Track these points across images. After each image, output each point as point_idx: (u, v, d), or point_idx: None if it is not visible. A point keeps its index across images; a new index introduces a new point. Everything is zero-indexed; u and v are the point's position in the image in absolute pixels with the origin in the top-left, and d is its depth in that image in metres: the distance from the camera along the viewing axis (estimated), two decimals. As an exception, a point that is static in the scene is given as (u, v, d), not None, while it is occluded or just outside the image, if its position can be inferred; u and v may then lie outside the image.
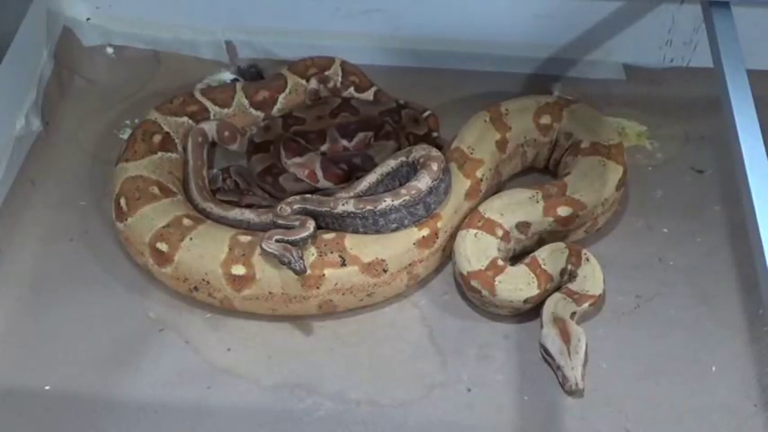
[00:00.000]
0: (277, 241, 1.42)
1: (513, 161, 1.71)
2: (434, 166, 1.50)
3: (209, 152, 1.75)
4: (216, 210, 1.58)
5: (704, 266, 1.59)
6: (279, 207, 1.49)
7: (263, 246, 1.42)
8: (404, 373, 1.44)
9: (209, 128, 1.73)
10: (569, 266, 1.52)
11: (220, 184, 1.69)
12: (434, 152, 1.53)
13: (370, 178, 1.55)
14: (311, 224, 1.46)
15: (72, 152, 1.79)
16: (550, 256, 1.52)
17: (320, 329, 1.50)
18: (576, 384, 1.36)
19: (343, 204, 1.48)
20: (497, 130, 1.66)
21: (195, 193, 1.62)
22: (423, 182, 1.49)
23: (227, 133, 1.74)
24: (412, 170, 1.53)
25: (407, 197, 1.48)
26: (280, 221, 1.47)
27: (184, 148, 1.70)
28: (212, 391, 1.41)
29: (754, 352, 1.46)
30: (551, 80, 1.95)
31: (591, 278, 1.50)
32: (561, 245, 1.54)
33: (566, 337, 1.41)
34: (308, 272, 1.42)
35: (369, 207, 1.47)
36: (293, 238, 1.43)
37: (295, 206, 1.49)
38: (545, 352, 1.43)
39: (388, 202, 1.47)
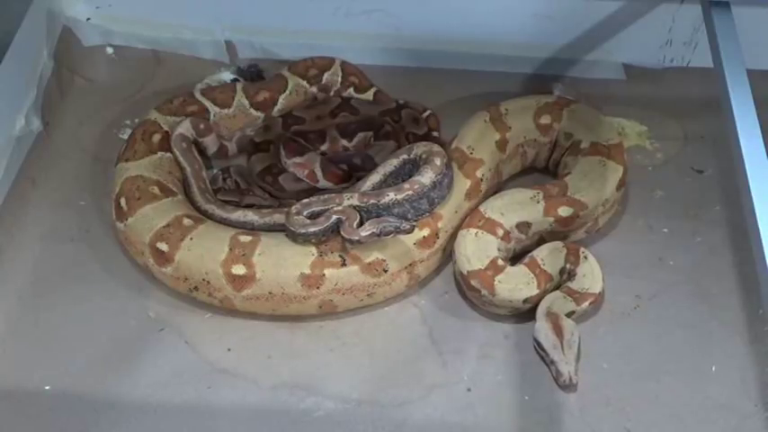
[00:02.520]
0: (359, 226, 1.44)
1: (513, 161, 1.71)
2: (437, 161, 1.51)
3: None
4: (218, 212, 1.58)
5: (704, 266, 1.59)
6: (292, 218, 1.48)
7: (357, 239, 1.43)
8: (404, 373, 1.44)
9: (186, 129, 1.70)
10: (568, 265, 1.52)
11: (221, 184, 1.69)
12: (436, 148, 1.54)
13: (374, 178, 1.55)
14: (344, 204, 1.48)
15: (72, 152, 1.79)
16: (549, 256, 1.52)
17: (320, 329, 1.50)
18: (570, 379, 1.37)
19: (347, 199, 1.49)
20: (497, 130, 1.66)
21: (198, 195, 1.62)
22: (426, 177, 1.49)
23: (202, 126, 1.71)
24: (414, 167, 1.54)
25: (410, 192, 1.48)
26: (311, 230, 1.46)
27: (175, 158, 1.68)
28: (212, 391, 1.41)
29: (754, 352, 1.46)
30: (551, 80, 1.95)
31: (590, 276, 1.50)
32: (559, 244, 1.54)
33: (558, 331, 1.42)
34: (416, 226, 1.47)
35: (372, 201, 1.48)
36: (388, 226, 1.43)
37: (304, 212, 1.49)
38: (538, 346, 1.43)
39: (391, 196, 1.48)
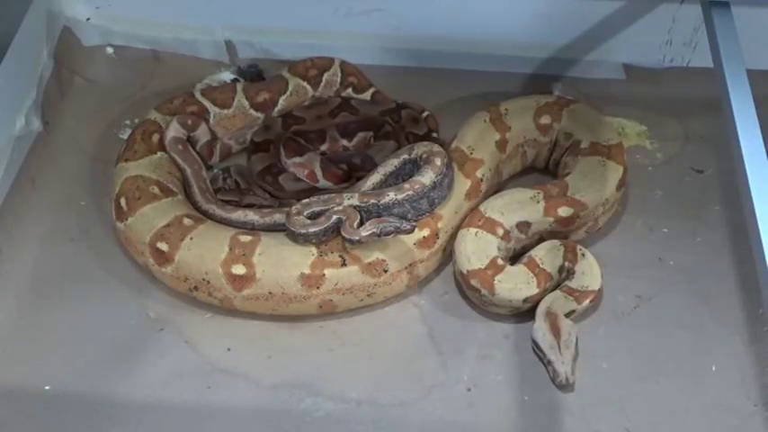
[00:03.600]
0: (359, 225, 1.44)
1: (512, 161, 1.71)
2: (438, 161, 1.51)
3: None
4: (219, 211, 1.58)
5: (704, 266, 1.59)
6: (292, 218, 1.47)
7: (358, 239, 1.43)
8: (404, 373, 1.44)
9: (176, 130, 1.69)
10: (566, 263, 1.52)
11: (221, 184, 1.69)
12: (437, 147, 1.54)
13: (374, 178, 1.55)
14: (344, 203, 1.48)
15: (72, 152, 1.79)
16: (548, 255, 1.52)
17: (320, 329, 1.50)
18: (567, 379, 1.37)
19: (347, 199, 1.49)
20: (497, 130, 1.66)
21: (198, 195, 1.62)
22: (426, 177, 1.49)
23: (189, 121, 1.71)
24: (415, 167, 1.54)
25: (411, 192, 1.48)
26: (311, 230, 1.46)
27: (174, 161, 1.67)
28: (212, 391, 1.41)
29: (754, 352, 1.46)
30: (551, 80, 1.95)
31: (589, 273, 1.51)
32: (556, 242, 1.54)
33: (556, 331, 1.42)
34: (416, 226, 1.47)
35: (372, 201, 1.48)
36: (388, 226, 1.43)
37: (305, 212, 1.49)
38: (535, 346, 1.44)
39: (391, 196, 1.48)
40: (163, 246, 1.48)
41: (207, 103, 1.77)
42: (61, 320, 1.50)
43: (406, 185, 1.49)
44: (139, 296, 1.54)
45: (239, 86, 1.82)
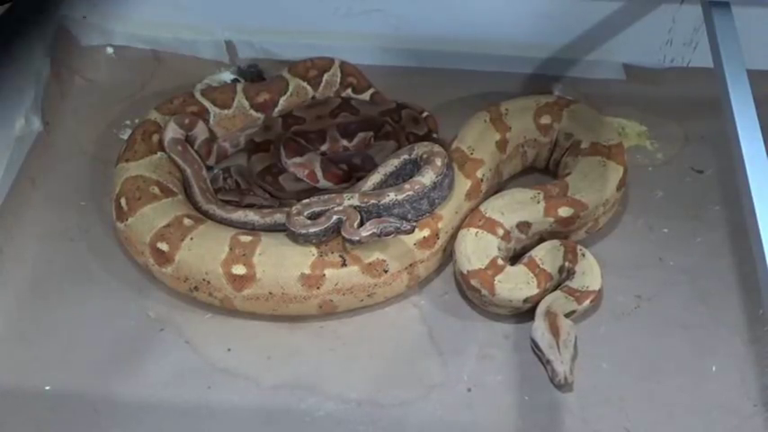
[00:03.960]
0: (360, 225, 1.44)
1: (513, 161, 1.71)
2: (438, 162, 1.51)
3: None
4: (219, 212, 1.58)
5: (704, 266, 1.59)
6: (292, 219, 1.47)
7: (358, 239, 1.43)
8: (404, 373, 1.44)
9: (174, 131, 1.68)
10: (567, 263, 1.52)
11: (221, 184, 1.69)
12: (437, 148, 1.54)
13: (374, 178, 1.55)
14: (344, 204, 1.48)
15: (72, 152, 1.79)
16: (548, 255, 1.52)
17: (320, 329, 1.50)
18: (565, 378, 1.37)
19: (348, 199, 1.49)
20: (497, 131, 1.66)
21: (198, 195, 1.62)
22: (427, 177, 1.50)
23: (187, 121, 1.71)
24: (415, 168, 1.54)
25: (411, 192, 1.48)
26: (312, 230, 1.46)
27: (174, 161, 1.67)
28: (212, 391, 1.41)
29: (754, 352, 1.46)
30: (551, 80, 1.95)
31: (589, 273, 1.51)
32: (556, 242, 1.54)
33: (555, 330, 1.42)
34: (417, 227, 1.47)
35: (373, 201, 1.48)
36: (388, 226, 1.44)
37: (305, 213, 1.49)
38: (535, 346, 1.44)
39: (391, 196, 1.48)
40: (163, 246, 1.48)
41: (207, 104, 1.77)
42: (61, 321, 1.50)
43: (407, 186, 1.49)
44: (139, 296, 1.54)
45: (239, 87, 1.82)
